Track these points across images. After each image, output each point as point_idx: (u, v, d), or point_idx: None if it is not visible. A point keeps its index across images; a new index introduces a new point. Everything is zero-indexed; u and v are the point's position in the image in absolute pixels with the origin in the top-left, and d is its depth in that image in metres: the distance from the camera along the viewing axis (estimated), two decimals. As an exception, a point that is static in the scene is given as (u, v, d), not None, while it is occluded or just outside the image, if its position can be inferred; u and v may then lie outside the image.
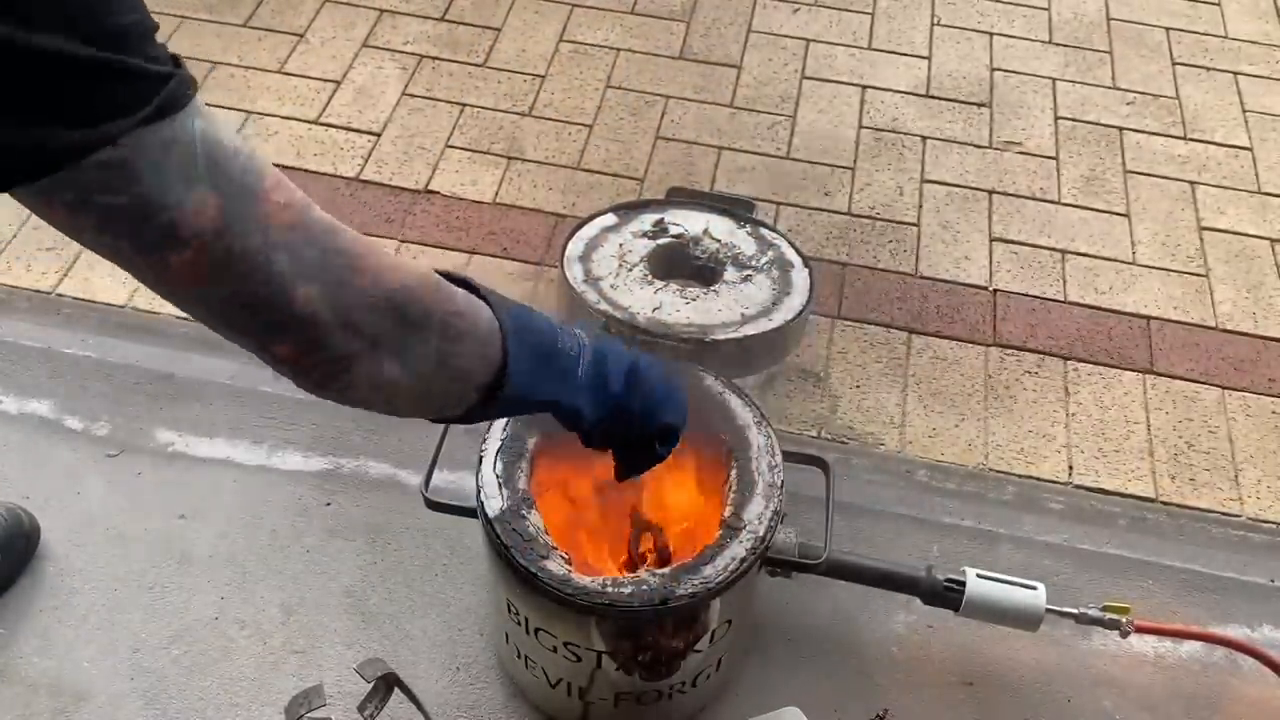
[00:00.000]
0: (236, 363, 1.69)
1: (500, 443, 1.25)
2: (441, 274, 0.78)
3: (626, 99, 2.20)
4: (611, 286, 1.47)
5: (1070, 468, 1.69)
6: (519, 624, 1.24)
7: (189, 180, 0.59)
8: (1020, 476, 1.67)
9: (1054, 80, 2.30)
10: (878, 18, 2.42)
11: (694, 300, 1.47)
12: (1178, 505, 1.65)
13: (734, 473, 1.26)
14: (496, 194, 2.02)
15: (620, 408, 0.93)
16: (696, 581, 1.15)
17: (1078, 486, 1.67)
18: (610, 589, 1.14)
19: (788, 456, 1.29)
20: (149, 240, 0.59)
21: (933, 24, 2.42)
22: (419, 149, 2.08)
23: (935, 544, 1.57)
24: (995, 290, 1.92)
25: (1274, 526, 1.63)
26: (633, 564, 1.27)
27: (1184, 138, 2.20)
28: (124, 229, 0.59)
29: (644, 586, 1.14)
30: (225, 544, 1.52)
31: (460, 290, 0.78)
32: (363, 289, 0.68)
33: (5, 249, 1.87)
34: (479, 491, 1.21)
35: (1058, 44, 2.39)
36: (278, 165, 0.64)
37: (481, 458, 1.24)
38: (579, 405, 0.91)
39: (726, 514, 1.22)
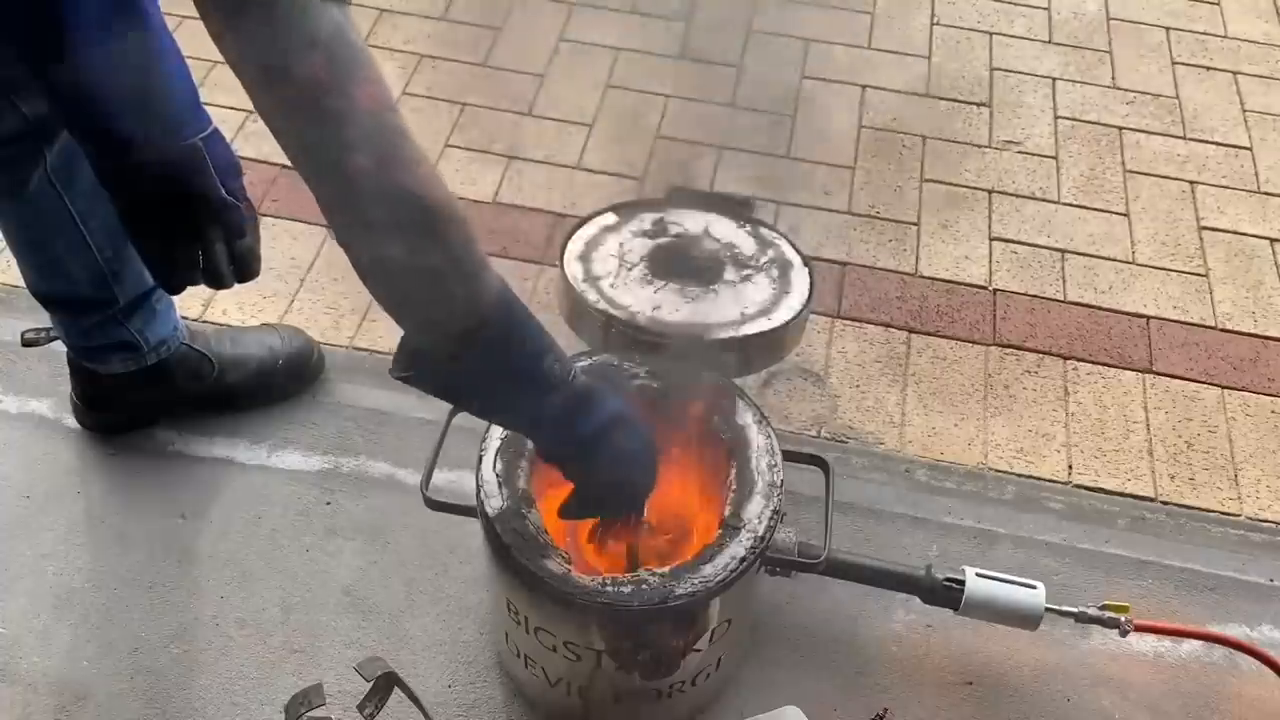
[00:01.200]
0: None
1: (500, 442, 1.25)
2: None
3: (626, 99, 2.20)
4: (611, 286, 1.47)
5: (1070, 467, 1.69)
6: (519, 623, 1.24)
7: (312, 45, 0.79)
8: (1020, 476, 1.67)
9: (1054, 80, 2.30)
10: (878, 18, 2.42)
11: (694, 300, 1.46)
12: (1177, 505, 1.65)
13: (734, 472, 1.26)
14: (496, 194, 2.02)
15: (585, 449, 1.05)
16: (696, 581, 1.15)
17: (1077, 486, 1.67)
18: (610, 588, 1.14)
19: (787, 456, 1.29)
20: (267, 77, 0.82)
21: (932, 24, 2.42)
22: (419, 149, 2.08)
23: (935, 543, 1.57)
24: (995, 290, 1.92)
25: (1273, 526, 1.63)
26: (632, 563, 1.27)
27: (1184, 137, 2.20)
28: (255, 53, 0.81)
29: (644, 586, 1.14)
30: (225, 544, 1.52)
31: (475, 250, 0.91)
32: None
33: (5, 248, 1.87)
34: (479, 490, 1.21)
35: (1057, 44, 2.39)
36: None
37: (481, 457, 1.24)
38: (539, 420, 1.03)
39: (726, 513, 1.22)
